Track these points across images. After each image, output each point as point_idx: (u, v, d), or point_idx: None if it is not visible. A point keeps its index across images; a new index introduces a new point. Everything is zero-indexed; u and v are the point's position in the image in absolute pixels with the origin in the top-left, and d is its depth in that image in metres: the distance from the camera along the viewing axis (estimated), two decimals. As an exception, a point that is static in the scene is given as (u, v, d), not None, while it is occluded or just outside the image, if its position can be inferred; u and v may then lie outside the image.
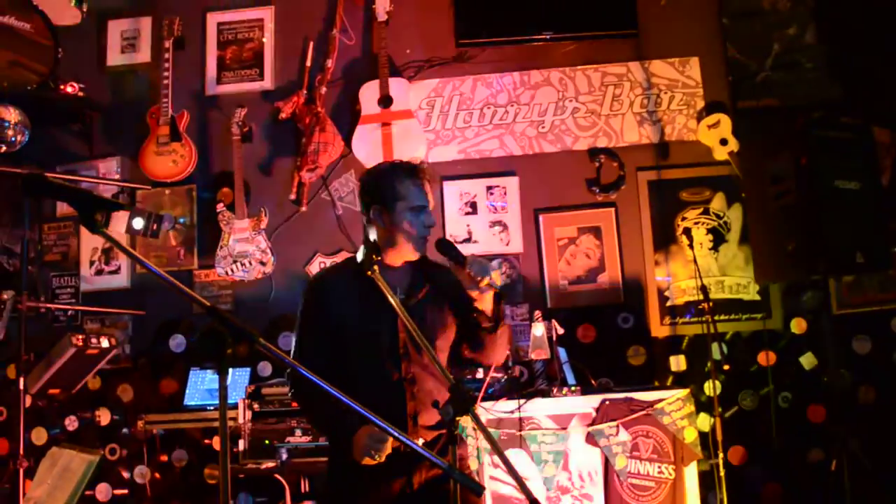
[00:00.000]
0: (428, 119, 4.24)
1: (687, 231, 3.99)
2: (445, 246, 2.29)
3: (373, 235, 2.35)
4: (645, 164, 4.10)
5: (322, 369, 1.96)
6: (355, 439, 2.13)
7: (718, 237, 4.01)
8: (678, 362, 3.83)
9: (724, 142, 3.97)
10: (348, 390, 1.72)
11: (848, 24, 4.08)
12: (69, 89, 4.20)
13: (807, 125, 3.41)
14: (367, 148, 4.06)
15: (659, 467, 3.28)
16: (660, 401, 3.31)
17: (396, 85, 4.11)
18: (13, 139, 3.97)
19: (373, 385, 2.17)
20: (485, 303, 2.29)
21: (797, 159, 3.36)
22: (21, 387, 3.56)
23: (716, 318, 3.59)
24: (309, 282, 2.44)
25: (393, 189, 2.29)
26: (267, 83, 4.34)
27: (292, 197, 4.19)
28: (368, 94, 4.11)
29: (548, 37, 4.16)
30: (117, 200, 4.08)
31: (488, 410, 3.30)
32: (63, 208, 4.39)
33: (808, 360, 3.80)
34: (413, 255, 2.35)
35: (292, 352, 2.34)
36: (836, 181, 3.30)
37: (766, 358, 3.81)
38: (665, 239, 4.03)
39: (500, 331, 2.35)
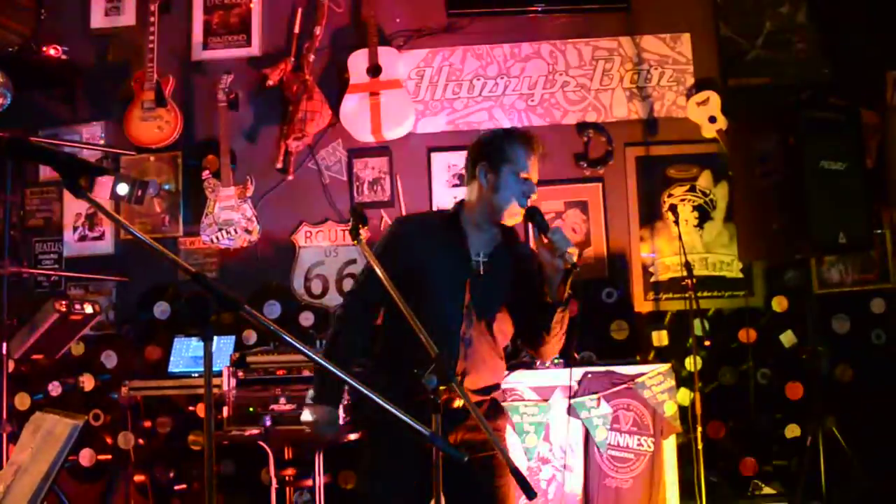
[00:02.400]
0: (417, 89, 4.22)
1: (673, 208, 4.01)
2: (532, 211, 2.32)
3: (472, 194, 2.39)
4: (633, 139, 4.11)
5: (378, 303, 2.35)
6: (316, 410, 2.30)
7: (704, 214, 4.04)
8: (660, 337, 3.87)
9: (712, 119, 3.98)
10: (407, 329, 1.93)
11: (840, 6, 4.09)
12: (52, 52, 4.14)
13: (795, 105, 3.42)
14: (355, 117, 4.04)
15: (638, 440, 3.33)
16: (641, 375, 3.35)
17: (386, 54, 4.08)
18: (-5, 101, 3.92)
19: (432, 331, 2.12)
20: (555, 279, 2.26)
21: (785, 139, 3.38)
22: (4, 352, 3.57)
23: (699, 294, 3.62)
24: (399, 220, 2.55)
25: (503, 151, 2.33)
26: (254, 49, 4.30)
27: (279, 165, 4.17)
28: (357, 63, 4.08)
29: (539, 9, 4.14)
30: (102, 166, 4.05)
31: (472, 382, 3.31)
32: (46, 173, 4.35)
33: (787, 338, 3.85)
34: (505, 220, 2.36)
35: (358, 278, 2.49)
36: (823, 162, 3.32)
37: (746, 335, 3.85)
38: (651, 215, 4.05)
39: (563, 314, 2.33)
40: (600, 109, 4.14)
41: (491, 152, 2.35)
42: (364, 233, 2.39)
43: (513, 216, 2.35)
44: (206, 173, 4.08)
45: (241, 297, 1.55)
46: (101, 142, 4.30)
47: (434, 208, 4.13)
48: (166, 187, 4.22)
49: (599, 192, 4.08)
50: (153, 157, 4.26)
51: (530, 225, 2.38)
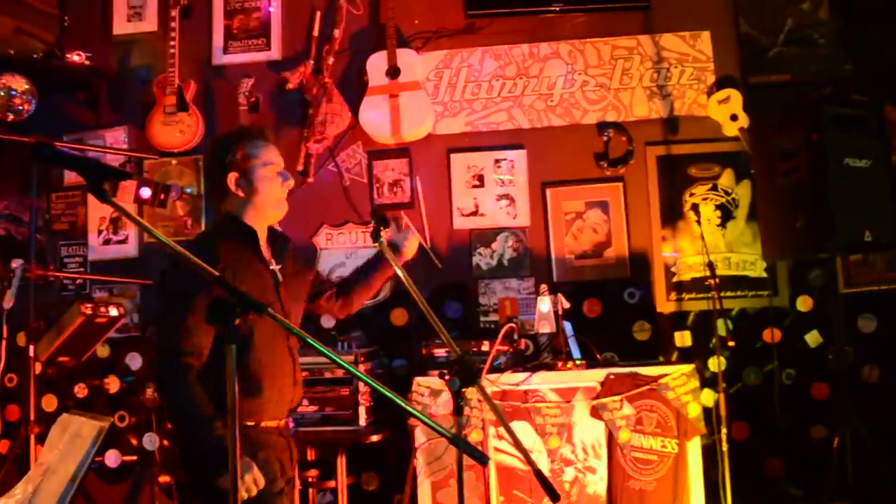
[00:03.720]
0: (436, 91, 4.21)
1: (695, 207, 3.96)
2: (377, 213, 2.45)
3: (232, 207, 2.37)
4: (654, 138, 4.07)
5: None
6: (247, 463, 2.08)
7: (726, 213, 3.98)
8: (683, 338, 3.83)
9: (734, 117, 3.93)
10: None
11: (862, 1, 4.02)
12: (75, 58, 4.18)
13: (818, 102, 3.37)
14: (375, 119, 4.04)
15: (662, 441, 3.29)
16: (664, 376, 3.30)
17: (404, 56, 4.08)
18: (20, 108, 3.96)
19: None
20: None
21: (808, 136, 3.33)
22: (31, 354, 3.60)
23: (722, 294, 3.58)
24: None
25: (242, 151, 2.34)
26: (274, 53, 4.31)
27: (299, 168, 4.17)
28: (376, 65, 4.08)
29: (557, 8, 4.11)
30: (125, 170, 4.08)
31: (493, 383, 3.31)
32: (70, 177, 4.38)
33: (813, 338, 3.80)
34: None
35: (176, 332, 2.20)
36: (847, 159, 3.26)
37: (771, 335, 3.80)
38: (672, 214, 4.01)
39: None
40: (620, 109, 4.11)
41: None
42: (385, 235, 2.40)
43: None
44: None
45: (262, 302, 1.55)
46: (124, 146, 4.33)
47: (454, 209, 4.12)
48: (188, 190, 4.24)
49: (620, 191, 4.05)
50: (175, 161, 4.28)
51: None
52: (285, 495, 2.24)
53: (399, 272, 2.30)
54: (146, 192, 3.63)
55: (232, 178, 2.30)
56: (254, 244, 2.33)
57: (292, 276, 2.45)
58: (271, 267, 2.34)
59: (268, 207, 2.34)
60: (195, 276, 2.02)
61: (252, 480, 2.05)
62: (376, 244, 2.41)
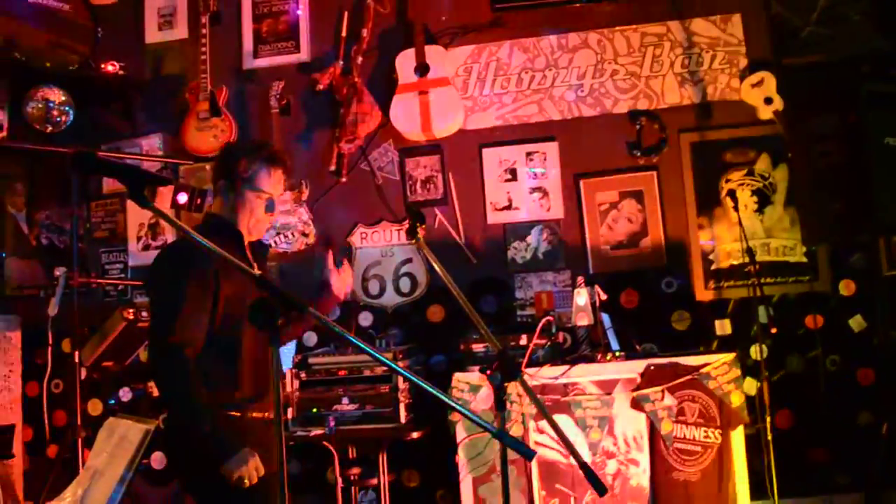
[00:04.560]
0: (465, 86, 4.20)
1: (731, 193, 3.89)
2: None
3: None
4: (687, 125, 4.01)
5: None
6: (244, 455, 2.16)
7: (763, 199, 3.91)
8: (723, 326, 3.78)
9: (768, 101, 3.86)
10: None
11: (897, -28, 3.93)
12: (110, 68, 4.24)
13: (856, 80, 3.29)
14: (405, 117, 4.04)
15: (705, 432, 3.25)
16: (705, 365, 3.27)
17: (432, 52, 4.07)
18: (58, 119, 4.04)
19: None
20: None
21: (845, 117, 3.26)
22: (76, 360, 3.67)
23: (762, 280, 3.52)
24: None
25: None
26: (303, 55, 4.34)
27: (332, 168, 4.19)
28: (405, 63, 4.07)
29: (585, -2, 4.08)
30: (162, 176, 4.13)
31: (532, 377, 3.30)
32: (109, 185, 4.45)
33: (856, 323, 3.72)
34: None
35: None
36: (886, 138, 3.18)
37: (813, 321, 3.73)
38: (709, 202, 3.95)
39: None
40: (652, 96, 4.06)
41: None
42: (421, 231, 2.40)
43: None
44: (261, 179, 4.12)
45: (305, 299, 1.55)
46: (160, 153, 4.38)
47: (487, 203, 4.11)
48: (224, 195, 4.28)
49: (654, 180, 4.00)
50: (210, 166, 4.32)
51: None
52: (270, 487, 2.21)
53: (437, 267, 2.30)
54: (183, 198, 3.68)
55: (220, 184, 2.44)
56: (240, 246, 2.43)
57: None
58: (255, 272, 2.36)
59: (244, 225, 2.43)
60: (188, 262, 2.24)
61: (254, 468, 2.16)
62: (412, 241, 2.40)
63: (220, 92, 4.24)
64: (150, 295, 2.45)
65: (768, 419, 3.31)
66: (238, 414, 2.30)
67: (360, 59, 4.18)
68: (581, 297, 3.54)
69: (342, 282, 2.66)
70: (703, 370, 3.27)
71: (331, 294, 2.63)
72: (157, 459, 4.05)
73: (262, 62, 4.38)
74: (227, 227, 2.42)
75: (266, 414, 2.37)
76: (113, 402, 4.12)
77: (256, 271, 2.31)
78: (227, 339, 2.27)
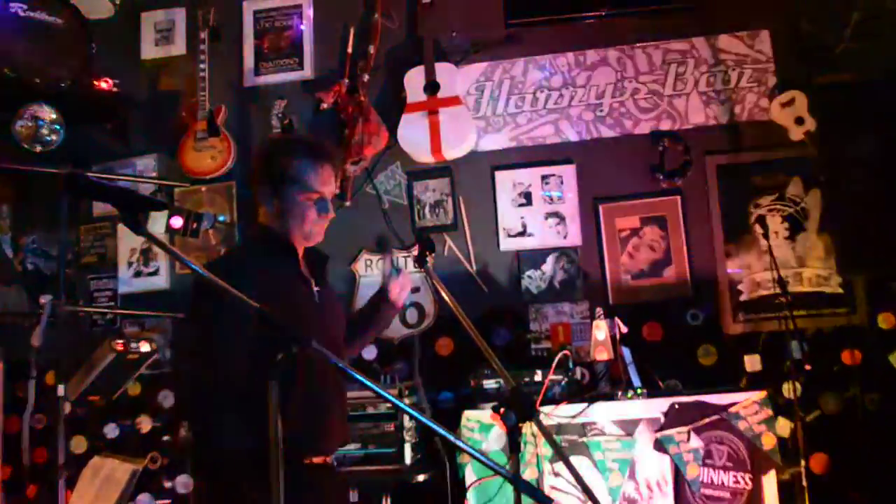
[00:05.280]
0: (477, 105, 4.22)
1: (761, 219, 3.87)
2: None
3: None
4: (713, 147, 4.02)
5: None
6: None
7: (796, 225, 3.90)
8: (753, 362, 3.74)
9: (799, 121, 3.86)
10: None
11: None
12: (103, 85, 4.28)
13: (891, 99, 3.29)
14: (414, 137, 4.06)
15: (734, 476, 3.21)
16: (734, 404, 3.23)
17: (443, 70, 4.10)
18: (48, 138, 4.06)
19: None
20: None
21: (883, 137, 3.26)
22: (60, 394, 3.65)
23: (794, 313, 3.49)
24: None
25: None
26: (307, 72, 4.38)
27: (336, 191, 4.19)
28: (414, 81, 4.11)
29: (603, 13, 4.11)
30: (157, 199, 4.15)
31: (548, 416, 3.27)
32: (100, 208, 4.48)
33: (898, 359, 3.68)
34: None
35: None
36: (927, 160, 3.18)
37: (851, 356, 3.69)
38: (737, 228, 3.94)
39: None
40: (675, 116, 4.07)
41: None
42: (430, 259, 2.39)
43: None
44: (260, 202, 4.14)
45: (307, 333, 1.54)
46: (155, 174, 4.41)
47: (500, 229, 4.10)
48: (221, 219, 4.28)
49: (678, 205, 4.00)
50: (205, 189, 4.35)
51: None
52: None
53: (445, 297, 2.29)
54: (178, 222, 3.69)
55: (262, 189, 2.26)
56: (293, 261, 2.28)
57: (332, 296, 2.44)
58: (313, 288, 2.31)
59: (296, 233, 2.27)
60: (224, 299, 2.02)
61: None
62: (421, 269, 2.40)
63: (218, 110, 4.28)
64: (190, 331, 2.28)
65: (803, 463, 3.26)
66: (296, 460, 2.13)
67: (366, 77, 4.21)
68: (600, 329, 3.53)
69: (401, 288, 2.53)
70: (732, 410, 3.23)
71: (388, 302, 2.51)
72: (145, 501, 4.01)
73: (263, 80, 4.42)
74: (275, 240, 2.26)
75: (328, 458, 2.24)
76: (97, 439, 4.09)
77: (315, 287, 2.29)
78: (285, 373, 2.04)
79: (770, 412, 3.24)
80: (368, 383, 1.63)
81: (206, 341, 2.11)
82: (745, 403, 3.24)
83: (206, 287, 2.10)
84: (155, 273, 4.39)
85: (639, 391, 3.37)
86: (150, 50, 4.55)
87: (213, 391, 2.06)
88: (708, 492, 3.21)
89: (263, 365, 1.75)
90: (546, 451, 3.21)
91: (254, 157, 2.42)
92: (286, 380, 1.95)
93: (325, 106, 4.19)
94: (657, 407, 3.28)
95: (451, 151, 4.08)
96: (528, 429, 3.10)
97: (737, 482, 3.21)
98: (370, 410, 3.54)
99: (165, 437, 4.11)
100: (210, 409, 2.06)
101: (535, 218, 4.11)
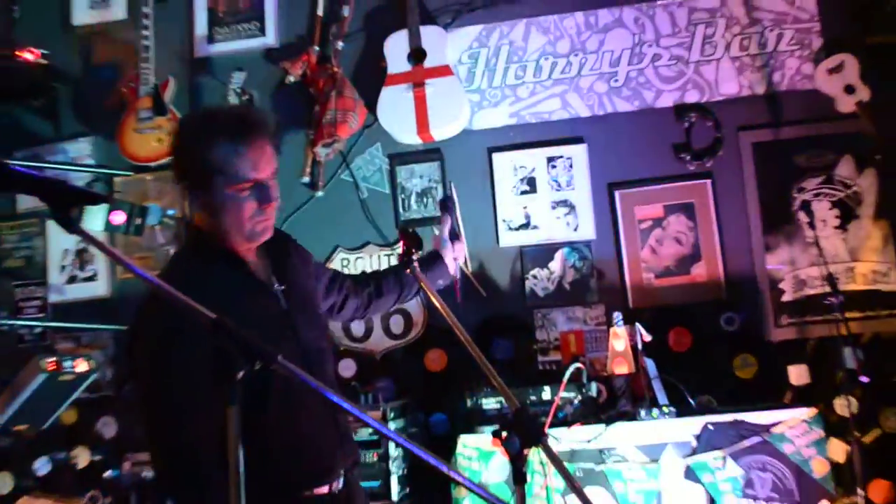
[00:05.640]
0: (471, 76, 4.22)
1: (805, 205, 3.90)
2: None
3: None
4: (748, 121, 4.03)
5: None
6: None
7: (847, 212, 3.91)
8: (800, 373, 3.74)
9: (850, 89, 3.88)
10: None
11: None
12: (28, 56, 4.25)
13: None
14: (397, 114, 4.06)
15: (780, 508, 3.23)
16: (778, 423, 3.25)
17: (430, 35, 4.10)
18: (-37, 120, 4.04)
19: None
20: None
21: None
22: (-19, 422, 3.63)
23: (847, 315, 3.50)
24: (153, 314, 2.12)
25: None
26: (270, 39, 4.38)
27: (305, 178, 4.21)
28: (396, 48, 4.11)
29: (619, -35, 4.13)
30: (95, 191, 4.13)
31: (559, 440, 3.28)
32: (26, 203, 4.45)
33: (969, 368, 3.70)
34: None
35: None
36: None
37: (914, 366, 3.72)
38: (778, 217, 3.95)
39: None
40: (703, 87, 4.07)
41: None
42: (417, 257, 2.39)
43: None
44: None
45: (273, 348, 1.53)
46: (90, 161, 4.40)
47: (500, 221, 4.11)
48: (170, 213, 4.26)
49: (708, 190, 4.01)
50: (151, 177, 4.34)
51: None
52: None
53: (436, 302, 2.28)
54: (119, 217, 3.67)
55: (184, 186, 2.17)
56: (237, 269, 2.20)
57: (304, 289, 2.39)
58: (273, 289, 2.28)
59: (235, 235, 2.16)
60: (178, 328, 1.90)
61: None
62: (406, 270, 2.40)
63: (165, 85, 4.27)
64: (138, 379, 2.13)
65: (860, 492, 3.27)
66: (293, 496, 2.16)
67: (340, 44, 4.21)
68: (618, 338, 3.53)
69: (456, 257, 2.74)
70: (776, 430, 3.24)
71: (443, 266, 2.72)
72: (85, 548, 4.00)
73: (218, 48, 4.41)
74: (209, 247, 2.17)
75: (334, 485, 2.23)
76: (26, 476, 4.06)
77: (278, 287, 2.24)
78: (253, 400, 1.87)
79: (821, 433, 3.26)
80: (346, 405, 1.62)
81: (158, 403, 2.05)
82: (792, 423, 3.25)
83: (146, 326, 2.07)
84: (92, 278, 4.37)
85: (665, 410, 3.38)
86: (83, 14, 4.52)
87: (188, 458, 2.00)
88: (748, 527, 3.22)
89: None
90: (557, 482, 3.22)
91: (168, 147, 2.26)
92: (255, 404, 1.98)
93: (291, 79, 4.18)
94: (687, 428, 3.30)
95: (441, 130, 4.07)
96: (536, 456, 3.12)
97: (782, 515, 3.22)
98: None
99: (107, 473, 4.08)
100: (190, 480, 2.00)
101: (541, 208, 4.11)
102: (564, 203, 4.11)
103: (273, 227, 2.23)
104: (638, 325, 3.58)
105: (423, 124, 4.03)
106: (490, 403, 3.58)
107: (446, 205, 2.80)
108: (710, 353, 3.87)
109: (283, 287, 2.28)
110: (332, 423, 2.26)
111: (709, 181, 4.02)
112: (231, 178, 2.08)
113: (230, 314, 1.79)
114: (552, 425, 3.33)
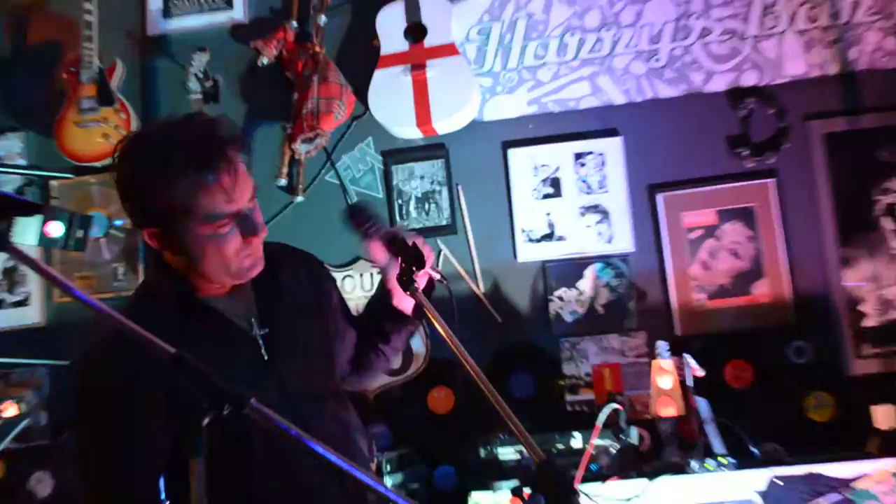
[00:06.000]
0: (481, 56, 4.23)
1: (892, 209, 3.91)
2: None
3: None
4: (819, 108, 4.04)
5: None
6: None
7: (942, 218, 3.93)
8: (887, 416, 3.72)
9: (943, 69, 3.90)
10: None
11: None
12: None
13: None
14: (392, 103, 4.06)
15: (867, 581, 3.21)
16: (861, 477, 3.24)
17: (431, 6, 4.11)
18: None
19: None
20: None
21: None
22: None
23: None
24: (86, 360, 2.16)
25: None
26: (238, 13, 4.41)
27: (282, 181, 4.21)
28: (390, 24, 4.13)
29: (659, -79, 4.14)
30: (25, 197, 4.12)
31: (593, 498, 3.25)
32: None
33: None
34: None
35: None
36: None
37: None
38: (857, 223, 3.95)
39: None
40: (763, 67, 4.08)
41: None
42: (419, 278, 2.36)
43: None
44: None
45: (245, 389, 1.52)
46: (22, 161, 4.40)
47: (517, 231, 4.10)
48: (118, 223, 4.27)
49: (771, 192, 4.01)
50: (97, 180, 4.35)
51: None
52: None
53: (441, 331, 2.25)
54: (57, 229, 3.65)
55: (150, 234, 2.13)
56: (214, 314, 2.21)
57: (297, 328, 2.35)
58: (251, 333, 2.25)
59: (217, 277, 2.17)
60: (124, 372, 1.95)
61: None
62: (406, 292, 2.36)
63: (112, 70, 4.28)
64: (75, 430, 2.20)
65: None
66: None
67: (322, 19, 4.22)
68: (664, 373, 3.54)
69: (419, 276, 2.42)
70: (859, 485, 3.22)
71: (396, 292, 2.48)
72: None
73: (176, 24, 4.44)
74: (184, 299, 2.18)
75: None
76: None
77: (258, 331, 2.22)
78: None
79: (914, 487, 3.24)
80: (330, 456, 1.60)
81: (89, 458, 2.08)
82: (878, 476, 3.23)
83: (85, 362, 2.10)
84: (23, 303, 4.38)
85: (722, 461, 3.37)
86: (13, -15, 4.56)
87: None
88: None
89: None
90: (591, 548, 3.21)
91: (117, 188, 2.17)
92: (229, 458, 1.93)
93: (264, 60, 4.18)
94: (750, 483, 3.29)
95: (445, 122, 4.08)
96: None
97: (870, 590, 3.21)
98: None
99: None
100: None
101: (567, 215, 4.11)
102: (596, 209, 4.10)
103: (262, 257, 2.22)
104: (687, 356, 3.56)
105: (423, 115, 4.03)
106: (508, 453, 3.57)
107: (361, 218, 2.44)
108: (777, 390, 3.86)
109: (265, 331, 2.25)
110: (336, 485, 2.22)
111: (771, 181, 4.02)
112: (203, 218, 2.05)
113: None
114: (584, 480, 3.32)
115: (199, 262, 2.11)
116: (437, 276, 2.43)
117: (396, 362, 2.67)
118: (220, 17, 4.40)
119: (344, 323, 2.58)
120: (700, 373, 3.55)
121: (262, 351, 2.23)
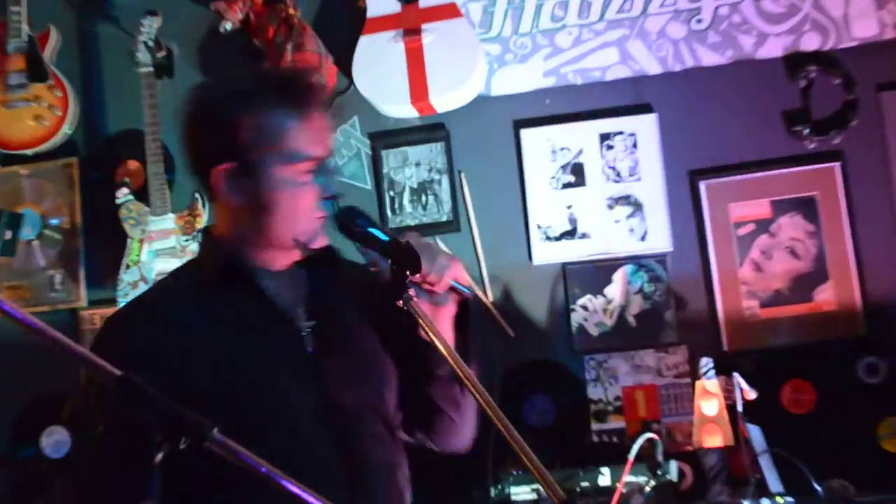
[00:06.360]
0: (487, 17, 4.24)
1: (981, 199, 3.93)
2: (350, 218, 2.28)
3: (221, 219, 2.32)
4: (895, 78, 4.04)
5: None
6: None
7: None
8: (976, 445, 3.75)
9: None
10: None
11: None
12: None
13: None
14: (381, 75, 4.09)
15: None
16: (947, 519, 3.25)
17: (428, -40, 4.13)
18: None
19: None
20: (439, 326, 2.25)
21: None
22: None
23: None
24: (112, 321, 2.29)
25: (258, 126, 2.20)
26: (195, -31, 4.40)
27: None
28: (378, -20, 4.14)
29: None
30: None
31: (624, 546, 3.28)
32: None
33: None
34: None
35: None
36: None
37: None
38: (940, 216, 3.97)
39: (454, 383, 2.37)
40: (827, 28, 4.08)
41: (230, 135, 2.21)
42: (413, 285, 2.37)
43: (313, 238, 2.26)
44: (122, 192, 4.15)
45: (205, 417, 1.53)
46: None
47: (532, 227, 4.12)
48: (54, 222, 4.28)
49: (837, 179, 4.02)
50: (28, 171, 4.37)
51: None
52: None
53: (441, 347, 2.25)
54: (-20, 230, 3.67)
55: (222, 172, 2.20)
56: (258, 293, 2.24)
57: (350, 329, 2.36)
58: (298, 324, 2.28)
59: (281, 233, 2.23)
60: (136, 344, 2.04)
61: None
62: (399, 303, 2.37)
63: (45, 38, 4.30)
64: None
65: None
66: None
67: (297, -25, 4.23)
68: (709, 396, 3.54)
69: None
70: (943, 528, 3.23)
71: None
72: None
73: (121, -17, 4.44)
74: (233, 266, 2.23)
75: None
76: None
77: (305, 323, 2.23)
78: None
79: None
80: (305, 496, 1.61)
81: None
82: (966, 517, 3.24)
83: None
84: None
85: (779, 500, 3.37)
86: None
87: None
88: None
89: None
90: None
91: (186, 124, 2.29)
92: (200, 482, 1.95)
93: (227, 26, 4.17)
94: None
95: (445, 97, 4.09)
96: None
97: None
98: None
99: None
100: None
101: (592, 207, 4.13)
102: (626, 200, 4.12)
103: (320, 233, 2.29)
104: (737, 376, 3.58)
105: (419, 89, 4.04)
106: (522, 493, 3.58)
107: (350, 226, 2.46)
108: (844, 415, 3.86)
109: (311, 323, 2.28)
110: None
111: (837, 165, 4.04)
112: (289, 155, 2.15)
113: (225, 356, 2.03)
114: (615, 523, 3.34)
115: (267, 213, 2.18)
116: (462, 289, 2.36)
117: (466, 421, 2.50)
118: (175, -25, 4.42)
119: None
120: (752, 395, 3.57)
121: (307, 346, 2.26)
